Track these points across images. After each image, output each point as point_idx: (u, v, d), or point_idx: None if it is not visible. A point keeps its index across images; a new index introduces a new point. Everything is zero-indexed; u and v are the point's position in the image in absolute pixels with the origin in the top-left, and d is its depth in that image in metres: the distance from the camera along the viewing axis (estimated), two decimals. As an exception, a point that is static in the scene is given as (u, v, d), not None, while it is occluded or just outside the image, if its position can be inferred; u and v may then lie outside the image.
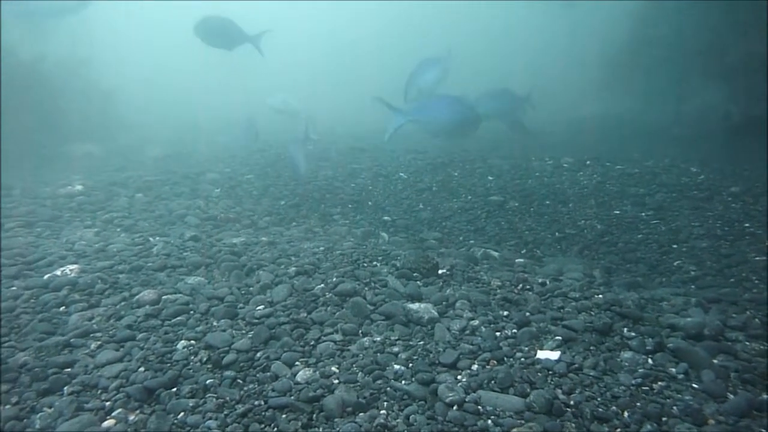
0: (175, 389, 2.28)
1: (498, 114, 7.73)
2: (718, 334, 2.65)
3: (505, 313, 2.93)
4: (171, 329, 2.75)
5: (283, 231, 4.91)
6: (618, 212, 5.28)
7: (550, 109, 10.56)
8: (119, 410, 2.16)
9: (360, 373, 2.39)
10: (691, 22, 9.27)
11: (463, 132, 6.41)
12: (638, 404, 2.14)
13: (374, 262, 3.67)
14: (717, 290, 3.56)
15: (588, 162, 6.84)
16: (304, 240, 4.50)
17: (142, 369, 2.40)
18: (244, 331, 2.73)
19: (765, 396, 2.19)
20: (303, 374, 2.37)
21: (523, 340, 2.63)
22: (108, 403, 2.20)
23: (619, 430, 2.01)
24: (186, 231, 4.48)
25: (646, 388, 2.26)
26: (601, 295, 3.12)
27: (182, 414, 2.14)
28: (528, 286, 3.28)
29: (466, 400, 2.18)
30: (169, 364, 2.44)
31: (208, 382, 2.32)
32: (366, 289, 3.17)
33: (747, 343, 2.60)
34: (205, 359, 2.49)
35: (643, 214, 5.18)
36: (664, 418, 2.06)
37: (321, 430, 2.06)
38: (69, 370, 2.42)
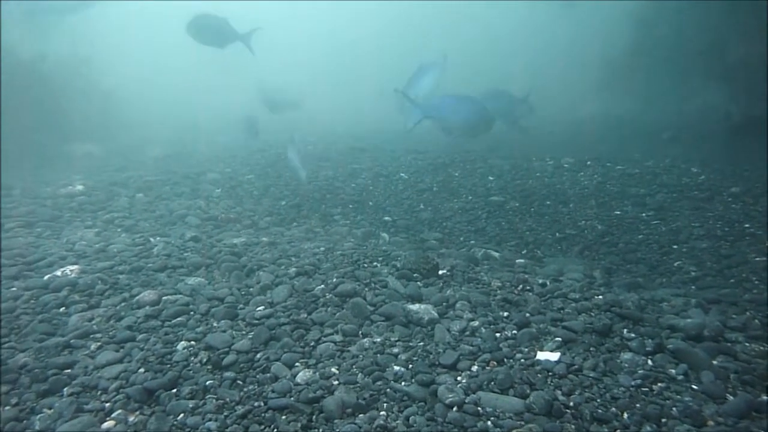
0: (175, 390, 2.28)
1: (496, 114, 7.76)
2: (717, 335, 2.65)
3: (506, 314, 2.93)
4: (171, 330, 2.75)
5: (284, 231, 4.92)
6: (618, 213, 5.28)
7: (551, 110, 10.56)
8: (119, 411, 2.16)
9: (360, 374, 2.39)
10: (691, 22, 9.27)
11: (477, 131, 6.45)
12: (638, 405, 2.14)
13: (375, 263, 3.67)
14: (717, 291, 3.56)
15: (589, 162, 6.84)
16: (305, 240, 4.50)
17: (142, 370, 2.40)
18: (244, 332, 2.73)
19: (764, 397, 2.19)
20: (303, 375, 2.37)
21: (523, 341, 2.63)
22: (108, 405, 2.20)
23: (618, 431, 2.01)
24: (186, 231, 4.48)
25: (646, 389, 2.26)
26: (601, 296, 3.12)
27: (182, 415, 2.14)
28: (528, 287, 3.28)
29: (466, 401, 2.18)
30: (169, 365, 2.44)
31: (208, 383, 2.32)
32: (366, 289, 3.17)
33: (747, 344, 2.60)
34: (205, 360, 2.49)
35: (644, 214, 5.18)
36: (663, 420, 2.06)
37: (321, 431, 2.06)
38: (69, 371, 2.42)
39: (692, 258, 4.27)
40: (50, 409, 2.17)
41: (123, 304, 3.05)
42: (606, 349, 2.56)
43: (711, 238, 4.52)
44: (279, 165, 7.39)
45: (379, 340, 2.68)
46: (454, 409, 2.15)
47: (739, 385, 2.29)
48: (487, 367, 2.43)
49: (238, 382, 2.36)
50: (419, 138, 8.26)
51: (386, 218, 5.58)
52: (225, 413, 2.15)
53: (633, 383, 2.28)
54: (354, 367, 2.44)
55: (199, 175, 6.70)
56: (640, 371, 2.36)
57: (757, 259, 4.03)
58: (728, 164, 6.40)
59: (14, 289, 3.14)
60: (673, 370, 2.38)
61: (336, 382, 2.32)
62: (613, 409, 2.13)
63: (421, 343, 2.65)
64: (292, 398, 2.22)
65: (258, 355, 2.54)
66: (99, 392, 2.29)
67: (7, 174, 6.14)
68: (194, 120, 12.68)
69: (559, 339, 2.63)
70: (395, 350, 2.58)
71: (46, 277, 3.30)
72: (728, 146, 7.67)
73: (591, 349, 2.56)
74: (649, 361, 2.44)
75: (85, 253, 3.80)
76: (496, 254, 4.38)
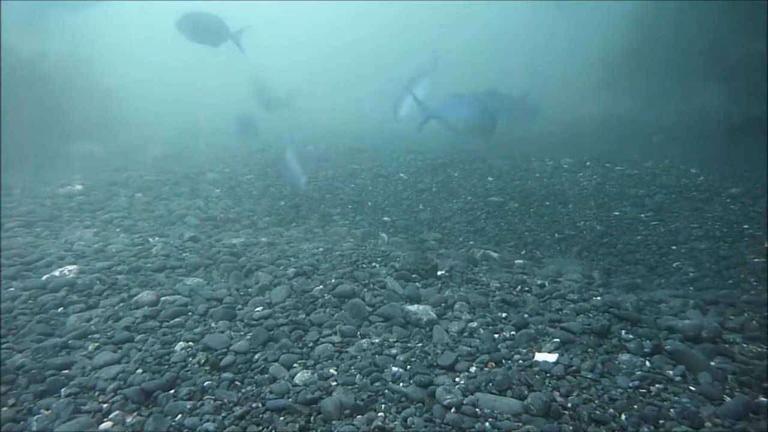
0: (172, 391, 2.28)
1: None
2: (715, 336, 2.66)
3: (504, 314, 2.93)
4: (169, 331, 2.75)
5: (283, 231, 4.91)
6: (617, 213, 5.28)
7: (551, 110, 10.55)
8: (117, 412, 2.16)
9: (358, 375, 2.39)
10: (691, 22, 9.26)
11: (483, 132, 6.47)
12: (635, 407, 2.14)
13: (373, 264, 3.67)
14: (715, 292, 3.56)
15: (588, 163, 6.84)
16: (304, 241, 4.50)
17: (139, 371, 2.40)
18: (242, 333, 2.73)
19: (762, 399, 2.19)
20: (301, 376, 2.37)
21: (521, 342, 2.63)
22: (105, 405, 2.20)
23: (616, 432, 2.02)
24: (185, 231, 4.48)
25: (644, 390, 2.26)
26: (599, 297, 3.12)
27: (180, 416, 2.14)
28: (527, 288, 3.28)
29: (464, 402, 2.18)
30: (167, 366, 2.44)
31: (206, 384, 2.32)
32: (365, 290, 3.17)
33: (744, 345, 2.61)
34: (203, 361, 2.49)
35: (643, 215, 5.18)
36: (661, 421, 2.07)
37: (318, 432, 2.06)
38: (66, 371, 2.42)
39: (691, 259, 4.27)
40: (48, 409, 2.17)
41: (121, 304, 3.05)
42: (604, 350, 2.56)
43: (710, 239, 4.52)
44: (278, 165, 7.38)
45: (377, 340, 2.68)
46: (452, 410, 2.15)
47: (736, 386, 2.29)
48: (485, 368, 2.43)
49: (236, 383, 2.36)
50: (419, 138, 8.25)
51: (385, 218, 5.58)
52: (223, 414, 2.15)
53: (631, 384, 2.29)
54: (352, 368, 2.44)
55: (198, 175, 6.70)
56: (637, 372, 2.37)
57: (756, 260, 4.03)
58: (727, 165, 6.40)
59: (12, 289, 3.14)
60: (671, 372, 2.39)
61: (334, 383, 2.32)
62: (611, 410, 2.13)
63: (420, 344, 2.65)
64: (290, 399, 2.22)
65: (256, 356, 2.54)
66: (97, 393, 2.28)
67: (7, 174, 6.14)
68: (194, 120, 12.68)
69: (558, 340, 2.63)
70: (393, 351, 2.58)
71: (44, 277, 3.30)
72: (728, 147, 7.67)
73: (589, 350, 2.56)
74: (647, 363, 2.45)
75: (83, 253, 3.80)
76: (495, 255, 4.38)
